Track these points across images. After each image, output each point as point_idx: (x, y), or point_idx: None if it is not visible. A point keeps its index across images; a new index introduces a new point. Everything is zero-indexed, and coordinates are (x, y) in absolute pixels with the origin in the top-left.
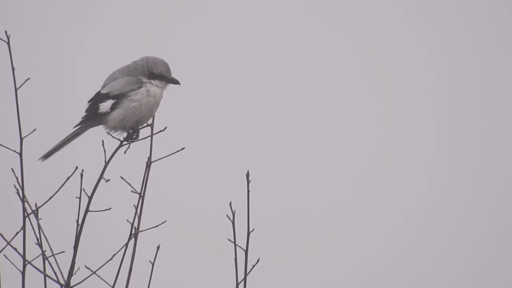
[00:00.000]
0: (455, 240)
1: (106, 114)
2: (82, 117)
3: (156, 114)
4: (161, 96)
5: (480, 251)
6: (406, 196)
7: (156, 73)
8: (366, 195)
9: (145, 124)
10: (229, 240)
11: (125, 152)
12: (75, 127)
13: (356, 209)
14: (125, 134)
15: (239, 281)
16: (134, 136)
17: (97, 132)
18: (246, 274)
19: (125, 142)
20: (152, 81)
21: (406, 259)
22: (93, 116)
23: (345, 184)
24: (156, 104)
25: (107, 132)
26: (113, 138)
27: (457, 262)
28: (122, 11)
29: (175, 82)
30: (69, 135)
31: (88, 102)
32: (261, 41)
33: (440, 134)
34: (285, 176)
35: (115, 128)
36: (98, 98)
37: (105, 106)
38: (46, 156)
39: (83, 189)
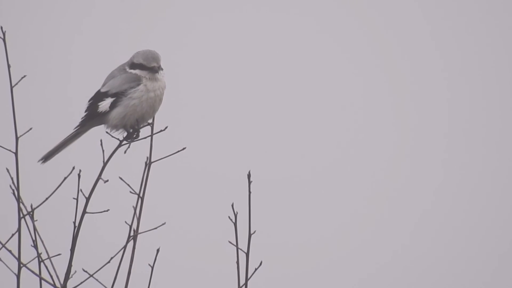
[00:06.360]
0: (464, 246)
1: (106, 113)
2: (82, 117)
3: (156, 114)
4: (160, 88)
5: (490, 255)
6: (415, 201)
7: (136, 62)
8: (373, 199)
9: (146, 123)
10: (230, 242)
11: (125, 152)
12: (75, 127)
13: (363, 213)
14: (125, 134)
15: (240, 284)
16: (134, 136)
17: (96, 131)
18: (247, 278)
19: (124, 142)
20: (132, 70)
21: (414, 264)
22: (93, 116)
23: (352, 188)
24: (158, 99)
25: (107, 132)
26: (112, 138)
27: (466, 268)
28: (118, 5)
29: (152, 70)
30: (69, 135)
31: (89, 101)
32: (264, 36)
33: (451, 139)
34: (289, 177)
35: (116, 127)
36: (98, 97)
37: (104, 105)
38: (46, 158)
39: (81, 190)
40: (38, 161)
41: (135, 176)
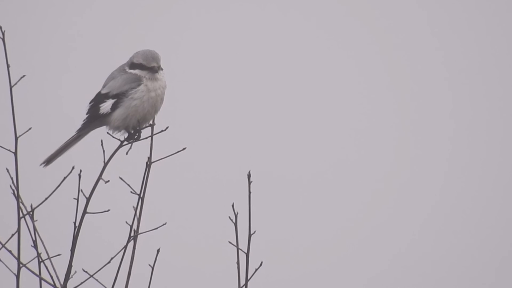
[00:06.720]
0: (467, 249)
1: (107, 114)
2: (84, 119)
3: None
4: (161, 88)
5: (492, 258)
6: (417, 203)
7: (136, 62)
8: (374, 200)
9: (148, 124)
10: (230, 243)
11: (127, 153)
12: (77, 130)
13: (365, 215)
14: (126, 135)
15: (241, 285)
16: (136, 136)
17: (97, 132)
18: (247, 279)
19: (125, 143)
20: (132, 71)
21: (415, 266)
22: (94, 118)
23: (354, 189)
24: (159, 98)
25: (108, 133)
26: (113, 138)
27: (468, 271)
28: (118, 6)
29: (152, 70)
30: (71, 138)
31: (90, 103)
32: (265, 36)
33: (453, 140)
34: (290, 178)
35: (118, 128)
36: (99, 98)
37: (106, 106)
38: (48, 162)
39: (81, 190)
40: (40, 164)
41: (135, 176)
